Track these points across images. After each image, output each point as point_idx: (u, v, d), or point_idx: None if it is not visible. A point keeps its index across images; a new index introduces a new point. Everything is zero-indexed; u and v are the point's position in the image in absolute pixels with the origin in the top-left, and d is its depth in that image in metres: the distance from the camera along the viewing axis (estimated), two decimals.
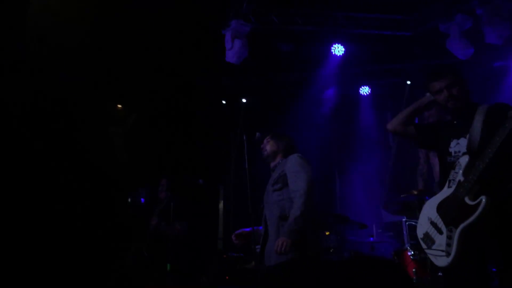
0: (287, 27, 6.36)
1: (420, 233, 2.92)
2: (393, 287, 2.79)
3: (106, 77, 6.02)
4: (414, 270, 4.32)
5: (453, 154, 2.92)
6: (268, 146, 4.09)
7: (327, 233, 5.30)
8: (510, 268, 2.59)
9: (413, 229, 5.21)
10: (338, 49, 6.78)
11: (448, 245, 2.66)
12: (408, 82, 7.46)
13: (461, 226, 2.61)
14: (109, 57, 5.79)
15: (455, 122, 3.02)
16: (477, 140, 2.77)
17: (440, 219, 2.77)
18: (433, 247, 2.77)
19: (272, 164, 4.07)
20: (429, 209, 2.88)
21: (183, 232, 5.46)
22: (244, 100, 4.01)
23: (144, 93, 6.58)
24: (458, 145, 2.91)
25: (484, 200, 2.57)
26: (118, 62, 6.01)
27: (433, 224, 2.81)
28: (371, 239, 5.88)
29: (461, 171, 2.76)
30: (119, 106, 6.42)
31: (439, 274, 4.01)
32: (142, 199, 5.34)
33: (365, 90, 7.77)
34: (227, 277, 5.40)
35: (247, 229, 4.05)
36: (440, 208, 2.81)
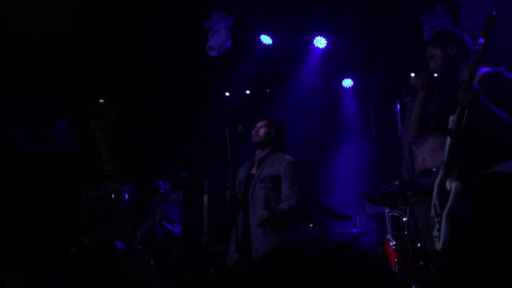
0: (269, 19, 6.32)
1: (430, 216, 2.77)
2: (374, 278, 2.78)
3: (89, 72, 5.97)
4: (396, 260, 4.37)
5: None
6: (262, 132, 3.83)
7: (310, 225, 5.34)
8: (484, 258, 2.35)
9: (395, 219, 5.27)
10: (320, 42, 6.76)
11: (438, 230, 2.56)
12: None
13: (445, 211, 2.51)
14: (90, 53, 5.74)
15: (454, 95, 2.70)
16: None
17: (437, 202, 2.65)
18: (434, 231, 2.64)
19: (258, 153, 3.86)
20: (434, 192, 2.73)
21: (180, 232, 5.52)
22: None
23: (124, 87, 6.53)
24: (453, 122, 2.63)
25: (453, 186, 2.46)
26: (101, 58, 5.95)
27: (435, 207, 2.68)
28: (355, 230, 5.93)
29: (446, 152, 2.61)
30: (101, 100, 6.34)
31: (421, 263, 4.05)
32: (126, 195, 5.30)
33: (347, 82, 7.73)
34: (212, 271, 5.41)
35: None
36: (437, 191, 2.69)
